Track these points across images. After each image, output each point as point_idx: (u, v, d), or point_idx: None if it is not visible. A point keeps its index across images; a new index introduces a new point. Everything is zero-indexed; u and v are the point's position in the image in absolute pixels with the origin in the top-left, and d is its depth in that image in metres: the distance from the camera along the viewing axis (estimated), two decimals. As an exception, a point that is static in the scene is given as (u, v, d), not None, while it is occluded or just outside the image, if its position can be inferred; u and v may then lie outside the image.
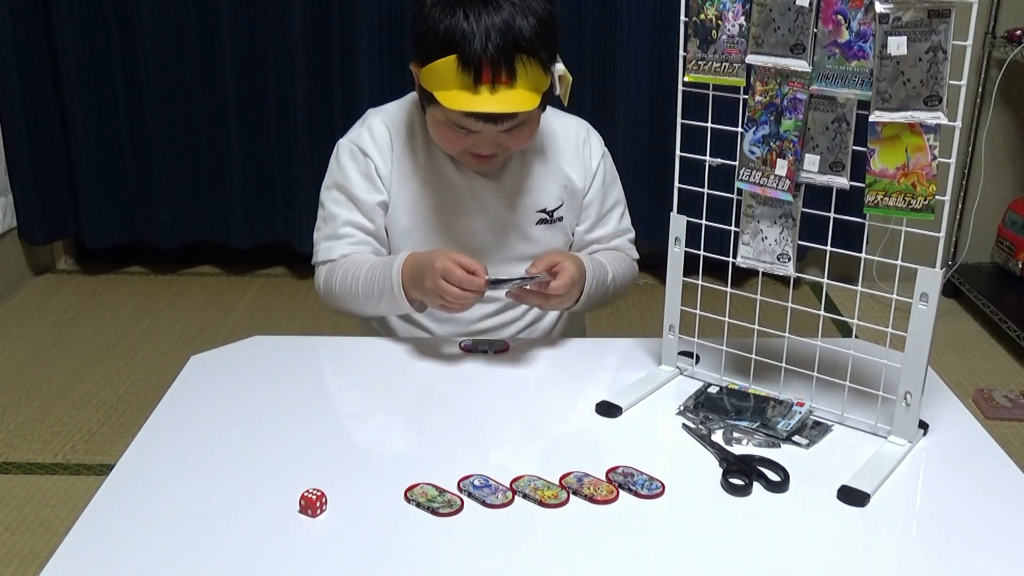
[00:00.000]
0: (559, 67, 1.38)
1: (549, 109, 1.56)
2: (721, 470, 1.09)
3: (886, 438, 1.15)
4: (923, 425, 1.15)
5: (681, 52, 1.17)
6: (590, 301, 1.46)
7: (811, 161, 1.11)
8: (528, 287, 1.35)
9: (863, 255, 1.16)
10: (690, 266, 1.25)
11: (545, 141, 1.53)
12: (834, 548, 0.98)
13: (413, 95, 1.52)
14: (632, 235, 1.64)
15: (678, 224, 1.25)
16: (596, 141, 1.58)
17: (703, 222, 1.23)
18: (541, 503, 1.02)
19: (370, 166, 1.48)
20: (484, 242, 1.50)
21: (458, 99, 1.31)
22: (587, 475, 1.07)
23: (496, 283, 1.32)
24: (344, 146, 1.50)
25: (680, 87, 1.18)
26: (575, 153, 1.55)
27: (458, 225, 1.50)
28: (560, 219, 1.54)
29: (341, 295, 1.46)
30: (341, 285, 1.45)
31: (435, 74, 1.32)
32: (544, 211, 1.52)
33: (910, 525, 1.06)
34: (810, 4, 1.06)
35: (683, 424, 1.18)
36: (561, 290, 1.35)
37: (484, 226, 1.50)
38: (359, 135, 1.50)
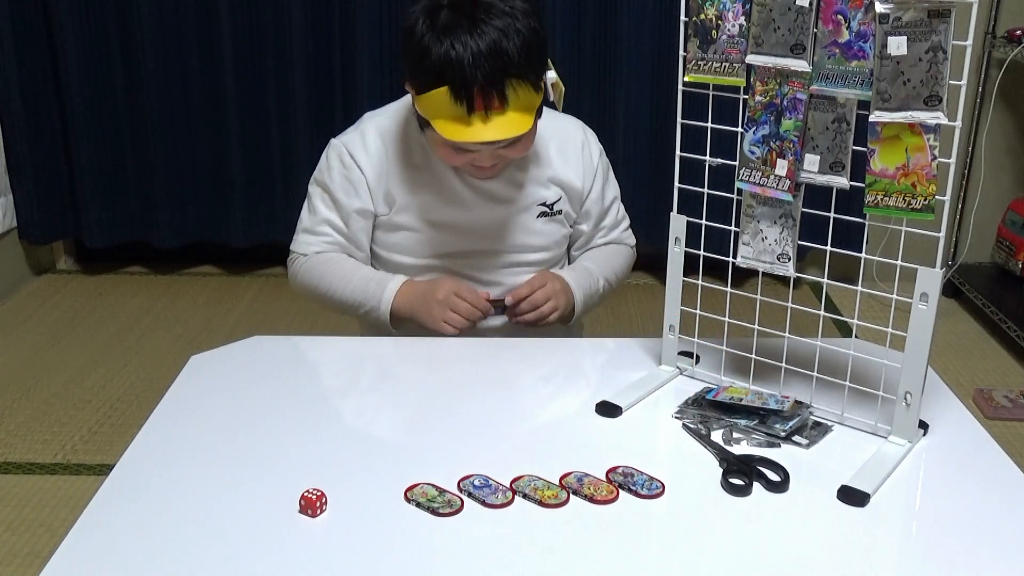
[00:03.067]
0: (551, 75, 1.39)
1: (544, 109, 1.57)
2: (721, 470, 1.09)
3: (886, 438, 1.15)
4: (923, 425, 1.15)
5: (681, 52, 1.17)
6: (587, 308, 1.56)
7: (811, 161, 1.11)
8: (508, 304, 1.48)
9: (863, 255, 1.16)
10: (690, 266, 1.25)
11: (541, 140, 1.55)
12: (834, 548, 0.98)
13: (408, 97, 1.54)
14: (627, 222, 1.70)
15: (678, 224, 1.25)
16: (593, 141, 1.61)
17: (703, 222, 1.23)
18: (541, 503, 1.02)
19: (354, 172, 1.51)
20: (488, 236, 1.53)
21: (453, 130, 1.33)
22: (587, 475, 1.07)
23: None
24: (334, 147, 1.55)
25: (680, 87, 1.18)
26: (575, 155, 1.57)
27: (462, 221, 1.52)
28: (560, 212, 1.57)
29: (314, 289, 1.56)
30: (323, 281, 1.54)
31: (430, 104, 1.35)
32: (544, 204, 1.55)
33: (910, 525, 1.05)
34: (810, 4, 1.06)
35: (683, 424, 1.18)
36: (540, 299, 1.47)
37: (487, 221, 1.53)
38: (351, 139, 1.53)
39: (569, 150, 1.56)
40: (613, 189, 1.64)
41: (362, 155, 1.51)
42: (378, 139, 1.52)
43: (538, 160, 1.54)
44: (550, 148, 1.55)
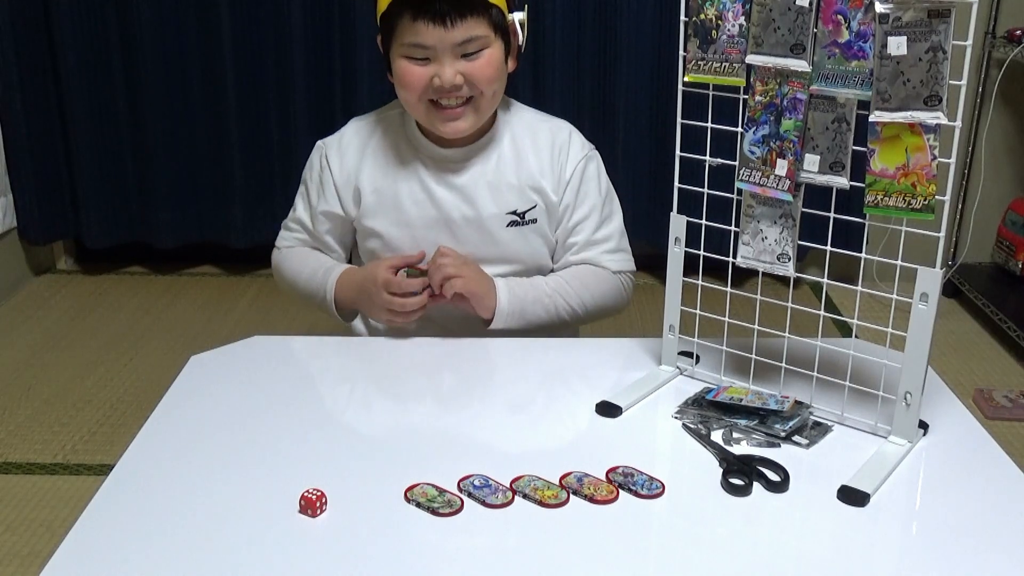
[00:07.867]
0: (519, 15, 1.44)
1: (531, 111, 1.56)
2: (721, 470, 1.09)
3: (886, 438, 1.15)
4: (923, 425, 1.15)
5: (681, 52, 1.17)
6: (527, 318, 1.48)
7: (811, 161, 1.12)
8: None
9: (863, 255, 1.16)
10: (690, 266, 1.25)
11: (517, 142, 1.52)
12: (834, 548, 0.98)
13: (396, 102, 1.55)
14: (610, 245, 1.56)
15: (678, 224, 1.25)
16: (577, 146, 1.54)
17: (703, 222, 1.23)
18: (541, 503, 1.02)
19: (325, 174, 1.55)
20: (453, 243, 1.50)
21: None
22: (587, 475, 1.07)
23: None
24: (317, 147, 1.60)
25: (680, 87, 1.18)
26: (549, 159, 1.52)
27: (428, 226, 1.51)
28: (533, 221, 1.51)
29: (282, 281, 1.64)
30: (287, 273, 1.62)
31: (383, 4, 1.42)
32: (515, 212, 1.51)
33: (910, 525, 1.06)
34: (810, 4, 1.06)
35: (683, 424, 1.18)
36: (445, 263, 1.42)
37: (454, 227, 1.50)
38: (330, 141, 1.58)
39: (545, 153, 1.52)
40: (590, 203, 1.53)
41: (335, 156, 1.55)
42: (355, 138, 1.56)
43: (512, 164, 1.51)
44: (528, 152, 1.51)
